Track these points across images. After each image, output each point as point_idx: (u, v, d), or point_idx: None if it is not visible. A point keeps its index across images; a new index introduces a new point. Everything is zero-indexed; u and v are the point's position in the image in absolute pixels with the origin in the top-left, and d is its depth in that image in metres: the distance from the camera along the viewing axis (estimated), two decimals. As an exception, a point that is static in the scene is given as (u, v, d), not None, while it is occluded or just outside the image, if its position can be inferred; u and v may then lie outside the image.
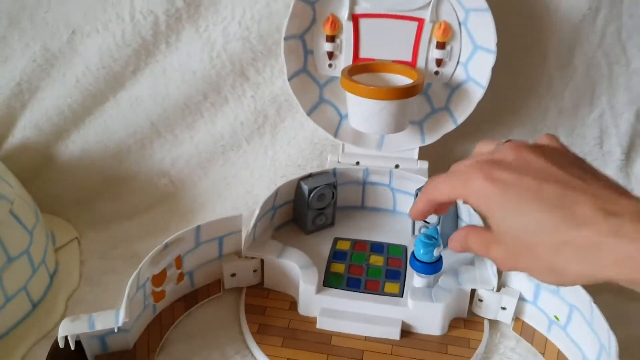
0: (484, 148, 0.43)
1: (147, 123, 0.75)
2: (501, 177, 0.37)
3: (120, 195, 0.77)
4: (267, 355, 0.57)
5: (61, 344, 0.50)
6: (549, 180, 0.36)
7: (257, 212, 0.62)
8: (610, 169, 0.80)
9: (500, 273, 0.60)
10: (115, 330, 0.52)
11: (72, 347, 0.51)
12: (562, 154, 0.39)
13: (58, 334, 0.50)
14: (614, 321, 0.51)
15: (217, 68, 0.72)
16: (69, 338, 0.50)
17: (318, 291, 0.60)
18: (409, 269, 0.62)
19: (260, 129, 0.77)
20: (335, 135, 0.71)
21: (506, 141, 0.40)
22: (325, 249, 0.66)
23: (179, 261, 0.60)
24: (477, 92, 0.66)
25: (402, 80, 0.66)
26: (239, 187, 0.78)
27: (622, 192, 0.36)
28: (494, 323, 0.62)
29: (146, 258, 0.56)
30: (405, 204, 0.72)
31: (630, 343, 0.51)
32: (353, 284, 0.61)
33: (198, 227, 0.60)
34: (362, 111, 0.63)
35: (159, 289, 0.59)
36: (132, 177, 0.77)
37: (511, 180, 0.36)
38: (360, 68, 0.67)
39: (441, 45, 0.66)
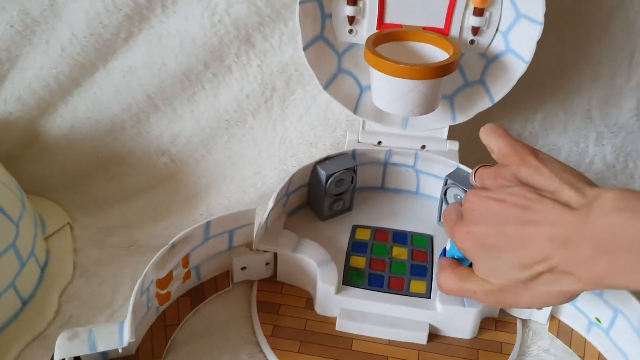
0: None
1: (142, 96, 0.68)
2: (473, 230, 0.43)
3: (115, 176, 0.71)
4: (284, 362, 0.52)
5: (58, 367, 0.45)
6: (507, 222, 0.41)
7: (270, 204, 0.55)
8: (646, 143, 0.75)
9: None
10: (120, 351, 0.46)
11: (71, 370, 0.45)
12: (503, 185, 0.43)
13: (54, 355, 0.45)
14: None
15: (219, 34, 0.64)
16: (66, 360, 0.45)
17: (338, 291, 0.55)
18: (436, 264, 0.57)
19: (267, 102, 0.70)
20: (355, 111, 0.64)
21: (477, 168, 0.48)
22: (344, 239, 0.60)
23: (186, 260, 0.55)
24: (518, 67, 0.59)
25: (434, 51, 0.59)
26: (246, 167, 0.72)
27: (565, 201, 0.39)
28: (526, 322, 0.57)
29: (151, 262, 0.50)
30: (430, 186, 0.66)
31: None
32: (375, 282, 0.56)
33: (208, 223, 0.54)
34: (390, 91, 0.56)
35: (164, 292, 0.54)
36: (127, 155, 0.71)
37: (481, 231, 0.43)
38: (386, 37, 0.59)
39: (479, 12, 0.58)
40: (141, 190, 0.70)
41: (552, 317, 0.57)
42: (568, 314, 0.56)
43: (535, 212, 0.39)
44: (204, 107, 0.70)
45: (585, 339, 0.55)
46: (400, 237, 0.61)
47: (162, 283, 0.53)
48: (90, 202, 0.69)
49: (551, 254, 0.38)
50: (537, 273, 0.40)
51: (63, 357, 0.45)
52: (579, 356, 0.55)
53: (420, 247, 0.60)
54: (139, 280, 0.48)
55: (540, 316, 0.57)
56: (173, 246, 0.52)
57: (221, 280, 0.59)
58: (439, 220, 0.63)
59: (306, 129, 0.71)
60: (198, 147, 0.71)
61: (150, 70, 0.66)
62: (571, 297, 0.41)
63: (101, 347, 0.46)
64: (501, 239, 0.41)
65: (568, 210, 0.38)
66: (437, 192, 0.63)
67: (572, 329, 0.56)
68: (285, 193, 0.60)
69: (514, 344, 0.55)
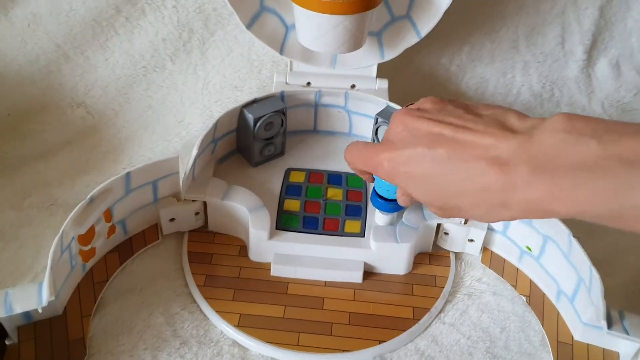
0: None
1: (51, 45, 0.64)
2: (397, 155, 0.39)
3: (29, 133, 0.66)
4: (218, 312, 0.51)
5: (-29, 332, 0.42)
6: (438, 143, 0.36)
7: (195, 151, 0.53)
8: (571, 70, 0.77)
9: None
10: (39, 310, 0.44)
11: (-13, 333, 0.43)
12: (441, 108, 0.39)
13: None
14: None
15: (129, -26, 0.61)
16: (-20, 325, 0.43)
17: (271, 237, 0.54)
18: (370, 203, 0.57)
19: (186, 45, 0.66)
20: (281, 51, 0.61)
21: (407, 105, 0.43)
22: (277, 183, 0.59)
23: (108, 214, 0.52)
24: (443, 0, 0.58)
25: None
26: (168, 116, 0.68)
27: (508, 124, 0.36)
28: (460, 255, 0.58)
29: (68, 217, 0.47)
30: (362, 126, 0.64)
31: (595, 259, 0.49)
32: (310, 224, 0.55)
33: (128, 175, 0.51)
34: (314, 28, 0.54)
35: (87, 248, 0.51)
36: (40, 110, 0.66)
37: (408, 155, 0.38)
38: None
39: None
40: (58, 147, 0.66)
41: (485, 249, 0.58)
42: (500, 245, 0.57)
43: (472, 133, 0.36)
44: (119, 54, 0.66)
45: (517, 268, 0.56)
46: (335, 178, 0.60)
47: (84, 239, 0.50)
48: (4, 162, 0.64)
49: (486, 178, 0.35)
50: (476, 201, 0.36)
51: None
52: (511, 284, 0.56)
53: (355, 187, 0.59)
54: (57, 237, 0.46)
55: (472, 249, 0.57)
56: (92, 200, 0.49)
57: (150, 234, 0.57)
58: (372, 159, 0.62)
59: (229, 71, 0.68)
60: (115, 96, 0.68)
61: (57, 17, 0.62)
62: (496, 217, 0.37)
63: (18, 309, 0.43)
64: (431, 163, 0.37)
65: (509, 132, 0.35)
66: (370, 132, 0.62)
67: (505, 259, 0.57)
68: (212, 139, 0.57)
69: (447, 277, 0.55)
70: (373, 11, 0.54)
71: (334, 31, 0.53)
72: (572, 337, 0.51)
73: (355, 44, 0.55)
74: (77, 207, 0.48)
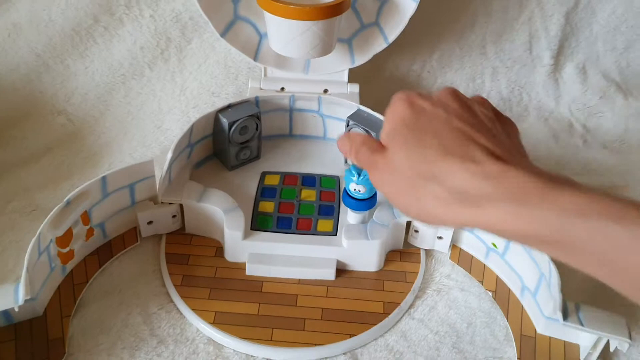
0: None
1: (31, 55, 0.65)
2: (420, 103, 0.39)
3: (10, 140, 0.67)
4: (194, 310, 0.53)
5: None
6: (458, 117, 0.37)
7: (170, 154, 0.55)
8: (539, 74, 0.79)
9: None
10: (16, 309, 0.45)
11: (-34, 332, 0.44)
12: (468, 108, 0.39)
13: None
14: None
15: (106, -15, 0.62)
16: (-40, 323, 0.44)
17: (245, 237, 0.55)
18: (342, 204, 0.58)
19: (164, 53, 0.68)
20: (255, 58, 0.63)
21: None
22: (252, 186, 0.61)
23: (85, 217, 0.53)
24: (409, 7, 0.60)
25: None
26: (147, 122, 0.70)
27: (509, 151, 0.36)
28: (430, 252, 0.60)
29: (45, 220, 0.49)
30: (336, 130, 0.67)
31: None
32: (283, 225, 0.57)
33: (103, 178, 0.53)
34: (284, 33, 0.56)
35: (65, 250, 0.53)
36: (22, 118, 0.67)
37: (426, 107, 0.38)
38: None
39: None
40: (39, 153, 0.67)
41: (454, 246, 0.60)
42: (468, 242, 0.59)
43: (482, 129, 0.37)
44: (98, 62, 0.67)
45: (485, 265, 0.58)
46: (309, 180, 0.62)
47: (62, 241, 0.51)
48: (-14, 168, 0.66)
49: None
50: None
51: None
52: (478, 280, 0.58)
53: (328, 188, 0.61)
54: (34, 239, 0.47)
55: (442, 246, 0.59)
56: (68, 203, 0.51)
57: (129, 237, 0.58)
58: (345, 162, 0.64)
59: (206, 78, 0.70)
60: (95, 104, 0.69)
61: (37, 27, 0.63)
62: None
63: (-5, 308, 0.45)
64: (442, 123, 0.37)
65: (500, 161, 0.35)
66: (342, 135, 0.64)
67: (472, 256, 0.59)
68: (188, 144, 0.59)
69: (417, 273, 0.57)
70: (341, 17, 0.56)
71: (303, 36, 0.55)
72: (535, 330, 0.52)
73: (324, 48, 0.57)
74: (54, 210, 0.50)
